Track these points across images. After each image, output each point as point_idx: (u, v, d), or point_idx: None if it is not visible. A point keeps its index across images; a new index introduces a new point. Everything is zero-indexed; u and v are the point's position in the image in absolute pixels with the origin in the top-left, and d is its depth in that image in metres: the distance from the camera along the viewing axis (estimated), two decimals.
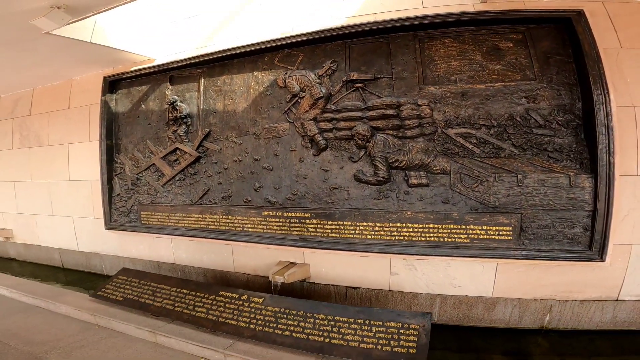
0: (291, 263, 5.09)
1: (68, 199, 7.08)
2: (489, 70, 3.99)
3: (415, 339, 3.61)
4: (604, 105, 3.53)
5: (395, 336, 3.67)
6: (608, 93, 3.54)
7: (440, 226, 4.17)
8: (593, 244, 3.67)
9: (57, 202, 7.26)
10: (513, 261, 3.99)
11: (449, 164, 4.10)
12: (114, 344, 4.35)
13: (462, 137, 4.04)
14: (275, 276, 4.66)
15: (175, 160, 5.74)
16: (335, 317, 3.95)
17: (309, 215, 4.79)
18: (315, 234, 4.77)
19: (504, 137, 3.92)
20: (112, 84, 6.27)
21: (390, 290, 4.71)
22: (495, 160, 3.94)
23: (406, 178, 4.28)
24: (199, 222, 5.62)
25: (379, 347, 3.63)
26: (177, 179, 5.76)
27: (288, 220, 4.94)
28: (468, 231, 4.08)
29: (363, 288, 4.84)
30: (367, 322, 3.83)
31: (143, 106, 6.05)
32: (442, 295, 4.48)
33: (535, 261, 3.88)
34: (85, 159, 6.65)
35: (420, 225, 4.25)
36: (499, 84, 3.96)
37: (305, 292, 5.19)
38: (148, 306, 4.80)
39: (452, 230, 4.14)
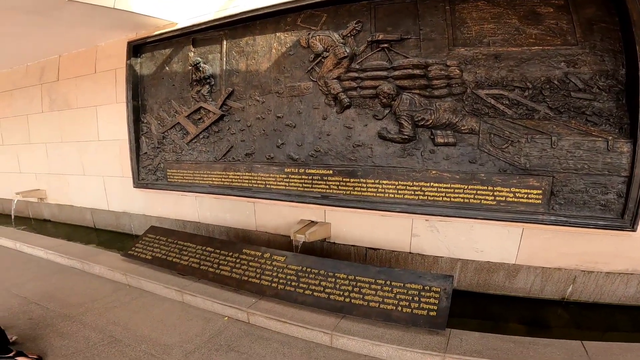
0: (312, 222, 4.83)
1: (98, 159, 6.89)
2: (525, 34, 3.54)
3: (436, 301, 3.34)
4: None
5: (416, 298, 3.40)
6: None
7: (465, 187, 3.82)
8: (626, 212, 3.29)
9: (88, 162, 7.08)
10: (540, 226, 3.63)
11: (478, 124, 3.71)
12: (144, 303, 4.20)
13: (494, 98, 3.63)
14: (296, 235, 4.41)
15: (200, 119, 5.45)
16: (357, 277, 3.69)
17: (331, 172, 4.49)
18: (337, 191, 4.48)
19: (538, 100, 3.49)
20: (136, 49, 5.94)
21: (410, 252, 4.43)
22: (528, 122, 3.53)
23: (432, 137, 3.91)
24: (223, 179, 5.38)
25: (399, 308, 3.37)
26: (201, 136, 5.48)
27: (310, 177, 4.65)
28: (495, 193, 3.72)
29: (383, 249, 4.57)
30: (388, 282, 3.56)
31: (167, 68, 5.73)
32: (463, 260, 4.17)
33: (563, 227, 3.52)
34: (113, 120, 6.41)
35: (445, 185, 3.91)
36: (536, 47, 3.51)
37: (325, 252, 4.95)
38: (175, 265, 4.62)
39: (478, 192, 3.78)
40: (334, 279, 3.74)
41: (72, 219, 7.82)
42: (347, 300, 3.53)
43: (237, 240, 5.59)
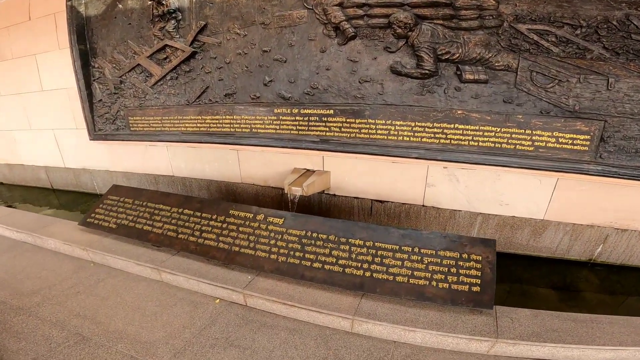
0: (308, 171, 4.04)
1: (45, 111, 5.76)
2: None
3: (479, 273, 2.64)
4: None
5: (453, 269, 2.69)
6: None
7: (498, 129, 3.07)
8: None
9: (33, 115, 5.93)
10: (580, 177, 2.99)
11: (516, 61, 2.92)
12: (114, 286, 3.35)
13: (537, 34, 2.83)
14: (291, 187, 3.63)
15: (165, 59, 4.40)
16: (376, 243, 2.93)
17: (331, 112, 3.62)
18: (340, 134, 3.65)
19: (592, 39, 2.73)
20: None
21: (423, 205, 3.73)
22: (580, 61, 2.77)
23: (458, 72, 3.08)
24: (198, 125, 4.44)
25: (433, 283, 2.67)
26: (168, 78, 4.45)
27: (306, 119, 3.77)
28: (534, 137, 2.99)
29: (391, 202, 3.85)
30: (416, 250, 2.82)
31: (120, 6, 4.51)
32: (485, 214, 3.54)
33: (609, 179, 2.91)
34: (57, 68, 5.24)
35: (472, 127, 3.14)
36: None
37: (324, 206, 4.21)
38: (147, 234, 3.70)
39: (513, 135, 3.04)
40: (348, 247, 2.96)
41: (25, 180, 6.80)
42: (368, 274, 2.79)
43: (221, 198, 4.76)
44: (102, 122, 5.13)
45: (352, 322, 2.61)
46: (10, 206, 5.87)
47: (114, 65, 4.75)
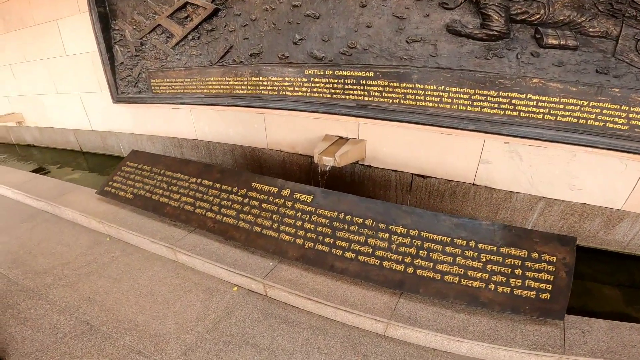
0: (341, 138, 3.51)
1: (70, 75, 5.41)
2: None
3: (550, 277, 2.09)
4: None
5: (518, 271, 2.15)
6: None
7: (585, 103, 2.40)
8: None
9: (59, 79, 5.60)
10: None
11: (617, 28, 2.21)
12: (128, 266, 3.02)
13: None
14: (322, 157, 3.13)
15: (186, 18, 3.88)
16: (422, 233, 2.40)
17: (372, 74, 3.02)
18: (381, 99, 3.06)
19: None
20: None
21: (473, 184, 3.15)
22: None
23: (538, 36, 2.40)
24: (222, 87, 3.95)
25: (491, 286, 2.15)
26: (190, 38, 3.95)
27: (341, 81, 3.19)
28: (630, 115, 2.32)
29: (435, 178, 3.30)
30: (471, 244, 2.28)
31: None
32: (549, 199, 2.92)
33: None
34: (79, 32, 4.82)
35: (551, 99, 2.48)
36: None
37: (357, 178, 3.71)
38: (163, 207, 3.32)
39: (605, 111, 2.37)
40: (387, 235, 2.45)
41: (56, 143, 6.60)
42: (410, 270, 2.29)
43: (245, 164, 4.34)
44: (124, 85, 4.75)
45: (387, 326, 2.16)
46: (42, 168, 5.75)
47: (134, 27, 4.30)
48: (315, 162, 3.22)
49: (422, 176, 3.35)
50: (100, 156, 5.93)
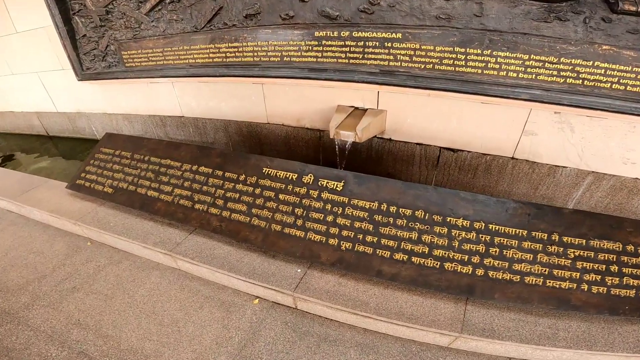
0: (356, 109, 2.94)
1: (23, 54, 4.58)
2: None
3: None
4: None
5: (613, 267, 1.73)
6: None
7: None
8: None
9: (12, 59, 4.76)
10: None
11: None
12: (119, 278, 2.44)
13: None
14: (340, 131, 2.59)
15: None
16: (490, 225, 1.92)
17: (399, 35, 2.43)
18: (411, 64, 2.49)
19: None
20: None
21: (513, 157, 2.70)
22: None
23: (612, 0, 1.88)
24: (211, 55, 3.26)
25: (584, 286, 1.72)
26: (168, 1, 3.20)
27: (361, 44, 2.59)
28: None
29: (467, 151, 2.83)
30: (554, 237, 1.83)
31: None
32: (598, 173, 2.50)
33: None
34: (28, 4, 4.00)
35: (622, 68, 2.01)
36: None
37: (374, 153, 3.19)
38: (153, 203, 2.71)
39: None
40: (446, 229, 1.96)
41: (19, 128, 5.74)
42: (480, 272, 1.83)
43: (242, 140, 3.75)
44: (89, 60, 3.98)
45: (455, 339, 1.72)
46: (11, 155, 5.05)
47: None
48: (332, 137, 2.68)
49: (452, 150, 2.88)
50: (70, 140, 5.16)
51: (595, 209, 2.58)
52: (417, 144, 2.99)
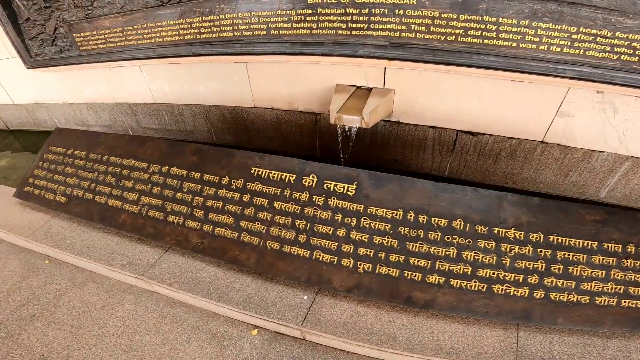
0: (359, 88, 2.49)
1: None
2: None
3: None
4: None
5: None
6: None
7: None
8: None
9: None
10: None
11: None
12: (85, 304, 2.01)
13: None
14: (342, 116, 2.17)
15: None
16: (551, 237, 1.53)
17: (413, 1, 1.97)
18: (428, 35, 2.04)
19: None
20: None
21: (543, 141, 2.34)
22: None
23: None
24: (182, 32, 2.75)
25: None
26: None
27: (365, 12, 2.12)
28: None
29: (489, 135, 2.45)
30: (629, 249, 1.48)
31: None
32: (637, 158, 2.18)
33: None
34: None
35: None
36: None
37: (379, 138, 2.78)
38: (116, 215, 2.23)
39: None
40: (493, 243, 1.56)
41: None
42: (539, 294, 1.45)
43: (224, 128, 3.29)
44: (37, 46, 3.43)
45: None
46: None
47: None
48: (332, 122, 2.27)
49: (472, 133, 2.49)
50: (32, 134, 4.65)
51: (630, 197, 2.29)
52: (430, 127, 2.59)
